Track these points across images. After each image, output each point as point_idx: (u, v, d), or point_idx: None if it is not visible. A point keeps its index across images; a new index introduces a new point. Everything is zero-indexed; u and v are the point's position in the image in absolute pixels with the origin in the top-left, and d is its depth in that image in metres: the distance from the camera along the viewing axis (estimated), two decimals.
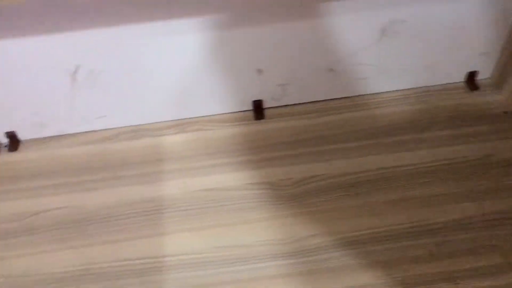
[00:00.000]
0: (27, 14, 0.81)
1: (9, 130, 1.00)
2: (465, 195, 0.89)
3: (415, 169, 0.93)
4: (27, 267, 0.85)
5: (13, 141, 1.02)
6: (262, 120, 1.03)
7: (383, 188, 0.91)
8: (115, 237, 0.88)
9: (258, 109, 1.03)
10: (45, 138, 1.03)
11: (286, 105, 1.05)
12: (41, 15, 0.81)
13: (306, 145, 0.98)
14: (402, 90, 1.05)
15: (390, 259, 0.82)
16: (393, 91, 1.05)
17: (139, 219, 0.90)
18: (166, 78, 0.96)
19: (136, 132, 1.03)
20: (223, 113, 1.04)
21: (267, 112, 1.04)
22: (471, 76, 1.04)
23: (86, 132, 1.03)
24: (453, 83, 1.05)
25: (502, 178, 0.90)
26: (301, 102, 1.04)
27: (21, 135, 1.02)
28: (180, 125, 1.03)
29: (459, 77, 1.05)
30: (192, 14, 0.86)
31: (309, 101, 1.05)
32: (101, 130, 1.03)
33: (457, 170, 0.92)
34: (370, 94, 1.05)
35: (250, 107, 1.04)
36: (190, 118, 1.04)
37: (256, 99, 1.02)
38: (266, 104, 1.04)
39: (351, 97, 1.05)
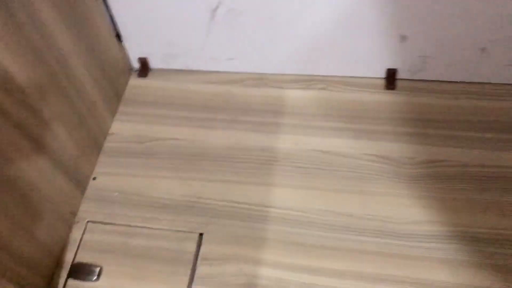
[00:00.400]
0: None
1: (142, 56, 1.04)
2: None
3: None
4: (139, 187, 0.89)
5: (144, 68, 1.05)
6: (392, 91, 0.96)
7: None
8: (225, 177, 0.88)
9: (391, 79, 0.97)
10: (173, 70, 1.05)
11: (422, 80, 0.97)
12: None
13: (437, 126, 0.91)
14: None
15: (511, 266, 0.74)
16: None
17: (251, 165, 0.90)
18: (304, 30, 0.92)
19: (261, 80, 1.01)
20: (352, 76, 0.99)
21: (399, 83, 0.97)
22: None
23: (213, 71, 1.03)
24: None
25: None
26: (440, 79, 0.96)
27: (152, 63, 1.05)
28: (306, 81, 1.00)
29: None
30: None
31: (450, 80, 0.95)
32: (227, 72, 1.03)
33: None
34: None
35: (383, 75, 0.97)
36: (317, 75, 1.00)
37: (391, 67, 0.96)
38: (400, 75, 0.97)
39: (498, 84, 0.94)
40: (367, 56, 0.95)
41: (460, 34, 0.87)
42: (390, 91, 0.96)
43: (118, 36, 0.99)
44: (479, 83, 0.95)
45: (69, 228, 0.85)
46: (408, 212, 0.81)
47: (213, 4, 0.90)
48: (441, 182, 0.84)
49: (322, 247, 0.79)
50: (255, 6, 0.89)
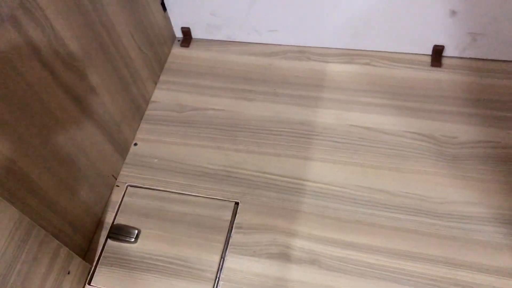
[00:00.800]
0: None
1: (185, 25, 1.05)
2: None
3: None
4: (178, 155, 0.91)
5: (187, 37, 1.06)
6: (438, 68, 0.94)
7: None
8: (263, 149, 0.89)
9: (437, 56, 0.94)
10: (215, 40, 1.06)
11: (470, 58, 0.93)
12: None
13: (483, 106, 0.88)
14: None
15: None
16: None
17: (289, 138, 0.90)
18: (349, 3, 0.90)
19: (303, 53, 1.00)
20: (397, 52, 0.97)
21: (446, 61, 0.94)
22: None
23: (255, 43, 1.03)
24: None
25: None
26: (489, 58, 0.92)
27: (194, 33, 1.06)
28: (349, 55, 0.98)
29: None
30: None
31: (501, 59, 0.92)
32: (270, 44, 1.03)
33: None
34: None
35: (429, 51, 0.95)
36: (361, 50, 0.99)
37: (438, 44, 0.93)
38: (447, 52, 0.94)
39: None
40: (414, 32, 0.92)
41: (507, 7, 0.83)
42: (436, 68, 0.94)
43: (163, 5, 1.00)
44: None
45: (111, 190, 0.88)
46: (447, 192, 0.79)
47: None
48: (483, 164, 0.81)
49: (357, 222, 0.79)
50: None
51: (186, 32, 1.05)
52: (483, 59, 0.93)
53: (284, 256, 0.77)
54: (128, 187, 0.88)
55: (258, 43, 1.03)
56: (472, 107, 0.88)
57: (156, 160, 0.91)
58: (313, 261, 0.76)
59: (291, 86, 0.96)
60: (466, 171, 0.81)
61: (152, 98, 0.99)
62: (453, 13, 0.86)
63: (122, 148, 0.90)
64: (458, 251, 0.74)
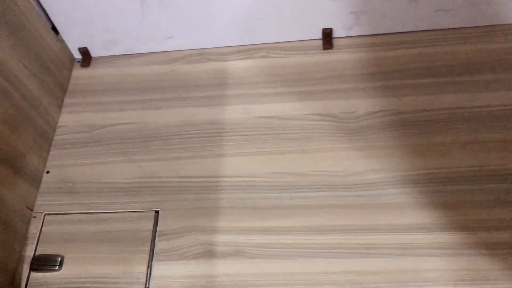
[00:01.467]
0: None
1: (82, 46, 1.04)
2: None
3: (492, 111, 0.86)
4: (93, 175, 0.90)
5: (86, 57, 1.05)
6: (330, 50, 0.99)
7: (453, 128, 0.85)
8: (177, 154, 0.90)
9: (327, 38, 0.99)
10: (115, 56, 1.06)
11: (357, 36, 0.99)
12: None
13: (375, 78, 0.93)
14: (485, 26, 0.95)
15: (452, 201, 0.78)
16: (475, 27, 0.96)
17: (201, 139, 0.92)
18: (237, 1, 0.93)
19: (203, 55, 1.02)
20: (290, 41, 1.01)
21: (336, 42, 0.99)
22: None
23: (154, 52, 1.04)
24: None
25: None
26: (374, 33, 0.98)
27: (93, 51, 1.05)
28: (247, 50, 1.02)
29: None
30: None
31: (384, 32, 0.98)
32: (169, 51, 1.04)
33: None
34: (452, 28, 0.96)
35: (319, 35, 0.99)
36: (257, 44, 1.02)
37: (326, 27, 0.98)
38: (336, 34, 0.99)
39: (430, 30, 0.97)
40: (302, 19, 0.97)
41: None
42: (328, 50, 0.99)
43: (54, 29, 0.99)
44: (412, 31, 0.97)
45: (28, 223, 0.86)
46: (351, 164, 0.84)
47: None
48: (381, 132, 0.87)
49: (273, 207, 0.82)
50: None
51: (84, 52, 1.05)
52: (369, 35, 0.99)
53: (209, 253, 0.79)
54: (46, 215, 0.87)
55: (157, 52, 1.04)
56: (365, 81, 0.93)
57: (71, 184, 0.90)
58: (237, 252, 0.78)
59: (196, 88, 0.98)
60: (367, 141, 0.86)
61: (59, 123, 0.98)
62: None
63: (33, 179, 0.89)
64: (368, 217, 0.79)
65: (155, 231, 0.83)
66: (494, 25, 0.96)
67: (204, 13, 0.96)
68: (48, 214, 0.87)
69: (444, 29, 0.96)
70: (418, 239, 0.76)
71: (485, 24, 0.95)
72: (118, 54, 1.05)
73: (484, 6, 0.92)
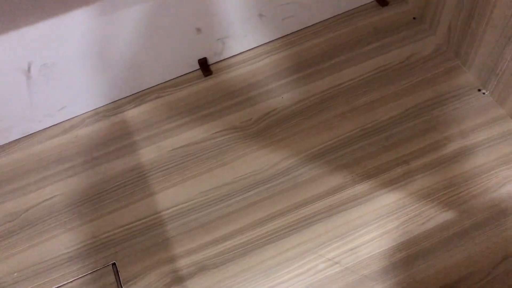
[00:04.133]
0: None
1: None
2: (399, 93, 1.03)
3: (353, 83, 1.06)
4: (35, 256, 0.91)
5: None
6: (210, 76, 1.12)
7: (331, 105, 1.04)
8: (110, 208, 0.96)
9: (205, 67, 1.12)
10: (13, 141, 1.06)
11: (229, 57, 1.14)
12: None
13: (255, 87, 1.09)
14: (326, 20, 1.17)
15: (351, 160, 0.96)
16: (318, 22, 1.17)
17: (126, 188, 0.98)
18: (115, 57, 1.02)
19: (99, 114, 1.09)
20: (175, 78, 1.12)
21: (213, 67, 1.13)
22: None
23: (52, 126, 1.08)
24: (366, 3, 1.19)
25: (426, 71, 1.06)
26: (241, 51, 1.14)
27: None
28: (139, 97, 1.10)
29: None
30: None
31: (249, 48, 1.14)
32: (65, 120, 1.08)
33: (388, 74, 1.06)
34: (299, 30, 1.16)
35: (197, 66, 1.12)
36: (146, 89, 1.11)
37: (200, 57, 1.11)
38: (211, 61, 1.13)
39: (283, 36, 1.16)
40: (178, 56, 1.09)
41: (237, 9, 1.05)
42: (208, 77, 1.12)
43: None
44: (271, 41, 1.15)
45: None
46: (265, 160, 0.98)
47: (24, 65, 0.94)
48: (278, 127, 1.02)
49: (217, 218, 0.92)
50: (63, 55, 0.96)
51: None
52: (237, 54, 1.14)
53: (177, 279, 0.86)
54: None
55: (54, 125, 1.08)
56: (249, 91, 1.08)
57: (16, 273, 0.90)
58: (201, 269, 0.87)
59: (104, 145, 1.04)
60: (270, 138, 1.01)
61: None
62: (198, 30, 1.05)
63: None
64: (296, 196, 0.93)
65: (120, 281, 0.87)
66: (325, 20, 1.18)
67: (89, 75, 1.03)
68: None
69: (294, 32, 1.16)
70: (339, 197, 0.92)
71: (319, 20, 1.17)
72: (15, 139, 1.06)
73: (315, 7, 1.13)
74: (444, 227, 0.86)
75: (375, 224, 0.88)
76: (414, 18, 1.15)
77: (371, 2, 1.19)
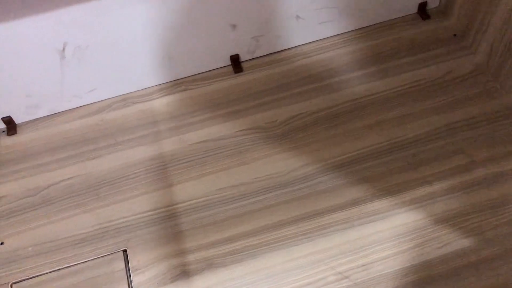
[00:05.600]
0: None
1: (4, 115, 1.05)
2: (431, 110, 1.01)
3: (385, 95, 1.04)
4: (51, 234, 0.93)
5: (11, 126, 1.07)
6: (241, 73, 1.11)
7: (359, 115, 1.02)
8: (127, 195, 0.96)
9: (236, 63, 1.11)
10: (41, 118, 1.08)
11: (261, 56, 1.13)
12: None
13: (284, 89, 1.08)
14: (364, 27, 1.15)
15: (374, 174, 0.94)
16: (356, 29, 1.15)
17: (146, 176, 0.98)
18: (148, 45, 1.02)
19: (127, 100, 1.10)
20: (205, 71, 1.12)
21: (244, 65, 1.13)
22: (422, 7, 1.14)
23: (80, 107, 1.09)
24: (407, 15, 1.16)
25: (461, 91, 1.02)
26: (274, 51, 1.13)
27: (17, 119, 1.07)
28: (167, 88, 1.11)
29: (412, 9, 1.15)
30: None
31: (281, 49, 1.13)
32: (93, 103, 1.09)
33: (421, 90, 1.04)
34: (335, 35, 1.14)
35: (229, 62, 1.12)
36: (175, 80, 1.11)
37: (233, 54, 1.10)
38: (243, 58, 1.12)
39: (319, 40, 1.14)
40: (210, 50, 1.08)
41: (277, 10, 1.04)
42: (239, 74, 1.11)
43: None
44: (303, 44, 1.14)
45: None
46: (286, 163, 0.97)
47: (59, 46, 0.96)
48: (302, 132, 1.01)
49: (230, 217, 0.91)
50: (97, 38, 0.97)
51: (8, 121, 1.06)
52: (271, 53, 1.13)
53: (185, 273, 0.86)
54: (13, 285, 0.87)
55: (82, 106, 1.09)
56: (278, 92, 1.07)
57: (30, 248, 0.91)
58: (209, 266, 0.86)
59: (129, 131, 1.05)
60: (293, 142, 1.00)
61: (0, 194, 0.98)
62: (234, 26, 1.04)
63: None
64: (313, 204, 0.91)
65: (128, 268, 0.88)
66: (363, 28, 1.15)
67: (121, 60, 1.04)
68: (15, 283, 0.87)
69: (330, 37, 1.14)
70: (357, 211, 0.90)
71: (357, 27, 1.15)
72: (43, 115, 1.08)
73: (354, 14, 1.11)
74: (461, 254, 0.83)
75: (390, 242, 0.86)
76: (454, 35, 1.11)
77: (412, 14, 1.16)
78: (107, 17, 0.94)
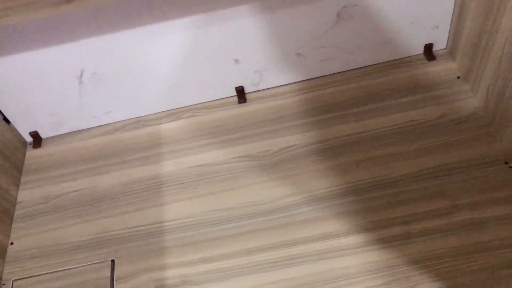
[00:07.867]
0: (37, 29, 0.99)
1: (32, 130, 1.19)
2: (420, 151, 1.01)
3: (376, 133, 1.06)
4: (53, 238, 1.03)
5: (36, 139, 1.20)
6: (244, 103, 1.18)
7: (348, 151, 1.04)
8: (124, 209, 1.05)
9: (241, 94, 1.18)
10: (62, 134, 1.21)
11: (265, 89, 1.19)
12: (47, 29, 0.99)
13: (282, 121, 1.13)
14: (367, 66, 1.18)
15: (352, 210, 0.96)
16: (359, 68, 1.18)
17: (144, 193, 1.07)
18: (160, 74, 1.12)
19: (138, 122, 1.20)
20: (211, 100, 1.20)
21: (248, 96, 1.19)
22: (428, 48, 1.15)
23: (97, 126, 1.21)
24: (413, 55, 1.17)
25: (453, 134, 1.02)
26: (277, 85, 1.19)
27: (42, 134, 1.21)
28: (176, 113, 1.20)
29: (418, 50, 1.16)
30: (172, 17, 1.02)
31: (284, 83, 1.19)
32: (109, 123, 1.20)
33: (414, 130, 1.04)
34: (337, 73, 1.18)
35: (234, 93, 1.19)
36: (184, 107, 1.20)
37: (237, 85, 1.17)
38: (248, 89, 1.19)
39: (319, 77, 1.18)
40: (217, 81, 1.16)
41: (278, 47, 1.10)
42: (242, 104, 1.18)
43: (6, 120, 1.14)
44: (305, 80, 1.18)
45: None
46: (271, 192, 1.01)
47: (77, 72, 1.08)
48: (292, 163, 1.05)
49: (211, 239, 0.97)
50: (112, 66, 1.08)
51: (35, 135, 1.20)
52: (273, 87, 1.19)
53: (162, 287, 0.92)
54: (14, 281, 0.98)
55: (99, 126, 1.21)
56: (275, 124, 1.12)
57: (34, 250, 1.02)
58: (184, 283, 0.92)
59: (135, 151, 1.14)
60: (281, 172, 1.04)
61: (18, 200, 1.11)
62: (236, 61, 1.12)
63: None
64: (290, 233, 0.95)
65: (113, 277, 0.95)
66: (366, 66, 1.18)
67: (134, 86, 1.14)
68: (16, 280, 0.98)
69: (330, 74, 1.18)
70: (330, 244, 0.92)
71: (360, 66, 1.18)
72: (65, 132, 1.21)
73: (356, 52, 1.14)
74: None
75: (358, 278, 0.87)
76: (458, 77, 1.11)
77: (418, 54, 1.17)
78: (121, 49, 1.05)
